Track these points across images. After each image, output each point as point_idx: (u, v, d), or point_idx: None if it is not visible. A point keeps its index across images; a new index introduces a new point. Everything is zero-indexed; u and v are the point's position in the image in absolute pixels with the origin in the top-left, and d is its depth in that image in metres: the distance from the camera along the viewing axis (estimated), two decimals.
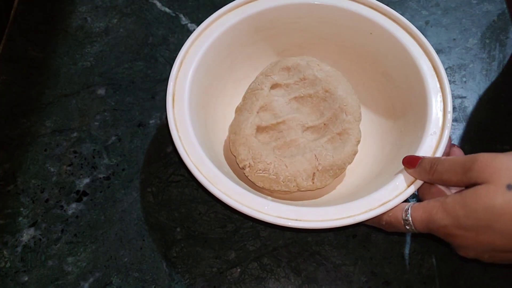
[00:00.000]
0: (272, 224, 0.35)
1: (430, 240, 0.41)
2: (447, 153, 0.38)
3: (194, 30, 0.43)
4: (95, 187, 0.44)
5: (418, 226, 0.34)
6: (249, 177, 0.41)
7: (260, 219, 0.34)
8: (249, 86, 0.45)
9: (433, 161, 0.35)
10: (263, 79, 0.44)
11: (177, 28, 0.52)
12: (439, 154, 0.37)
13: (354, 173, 0.43)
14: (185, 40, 0.42)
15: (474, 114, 0.47)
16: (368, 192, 0.36)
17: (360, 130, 0.43)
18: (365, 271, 0.40)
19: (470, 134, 0.46)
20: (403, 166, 0.37)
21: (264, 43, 0.46)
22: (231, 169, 0.42)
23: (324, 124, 0.42)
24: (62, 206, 0.43)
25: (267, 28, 0.45)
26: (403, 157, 0.37)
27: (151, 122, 0.47)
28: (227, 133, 0.44)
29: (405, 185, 0.36)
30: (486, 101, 0.48)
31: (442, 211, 0.32)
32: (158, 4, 0.54)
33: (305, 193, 0.42)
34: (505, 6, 0.54)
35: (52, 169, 0.44)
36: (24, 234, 0.42)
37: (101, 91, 0.49)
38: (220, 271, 0.40)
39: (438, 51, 0.41)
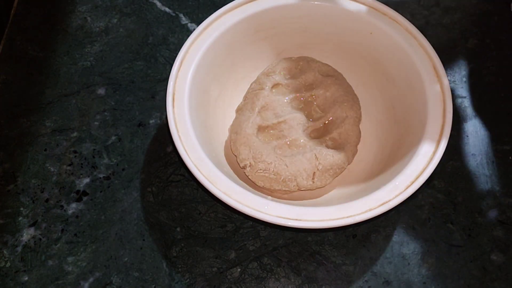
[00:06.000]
0: (272, 224, 0.35)
1: (430, 240, 0.41)
2: None
3: (194, 29, 0.43)
4: (95, 187, 0.44)
5: None
6: (249, 177, 0.41)
7: (260, 219, 0.34)
8: (250, 86, 0.45)
9: None
10: (264, 79, 0.44)
11: (177, 28, 0.52)
12: (439, 154, 0.37)
13: (354, 173, 0.43)
14: (185, 40, 0.42)
15: (474, 114, 0.47)
16: (368, 192, 0.36)
17: (360, 130, 0.43)
18: (365, 271, 0.40)
19: (470, 134, 0.46)
20: (403, 166, 0.37)
21: (265, 42, 0.46)
22: (231, 169, 0.42)
23: (325, 124, 0.42)
24: (62, 206, 0.43)
25: (267, 27, 0.45)
26: (403, 157, 0.37)
27: (151, 122, 0.47)
28: (227, 133, 0.44)
29: (405, 185, 0.36)
30: (486, 101, 0.48)
31: None
32: (158, 4, 0.54)
33: (305, 193, 0.42)
34: (505, 6, 0.54)
35: (52, 169, 0.44)
36: (24, 234, 0.42)
37: (101, 91, 0.49)
38: (220, 271, 0.40)
39: (438, 51, 0.41)
